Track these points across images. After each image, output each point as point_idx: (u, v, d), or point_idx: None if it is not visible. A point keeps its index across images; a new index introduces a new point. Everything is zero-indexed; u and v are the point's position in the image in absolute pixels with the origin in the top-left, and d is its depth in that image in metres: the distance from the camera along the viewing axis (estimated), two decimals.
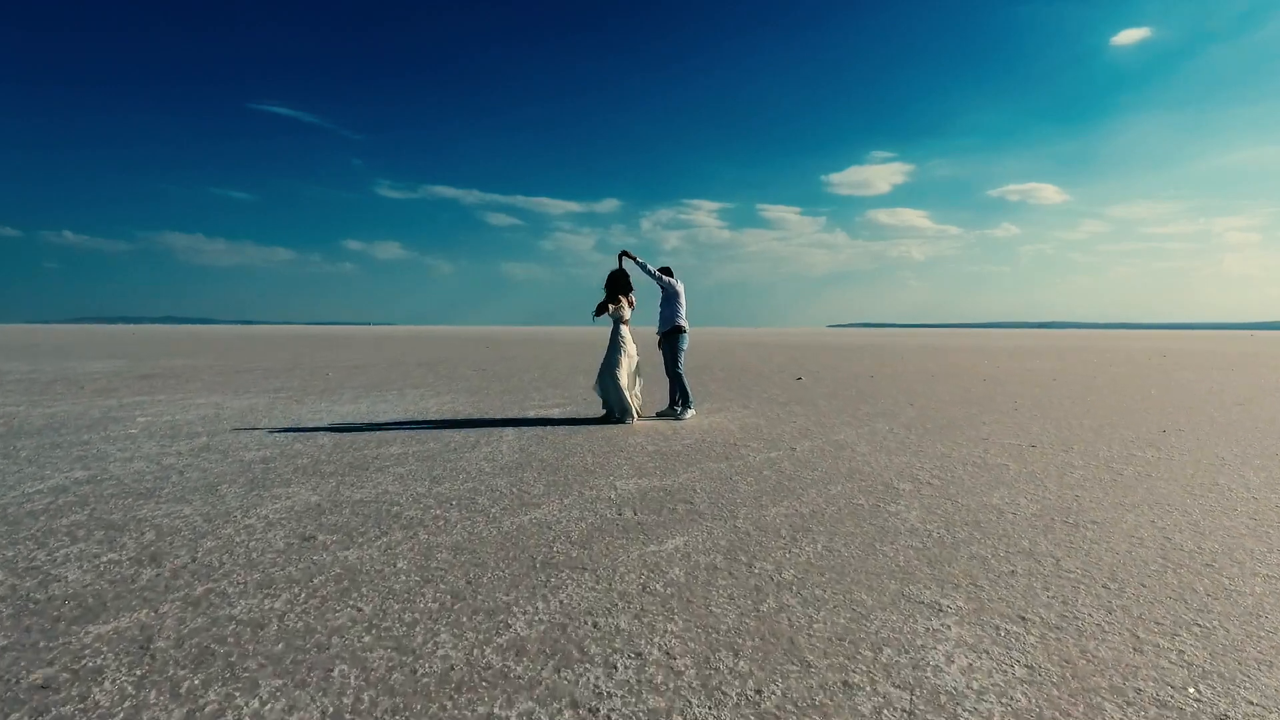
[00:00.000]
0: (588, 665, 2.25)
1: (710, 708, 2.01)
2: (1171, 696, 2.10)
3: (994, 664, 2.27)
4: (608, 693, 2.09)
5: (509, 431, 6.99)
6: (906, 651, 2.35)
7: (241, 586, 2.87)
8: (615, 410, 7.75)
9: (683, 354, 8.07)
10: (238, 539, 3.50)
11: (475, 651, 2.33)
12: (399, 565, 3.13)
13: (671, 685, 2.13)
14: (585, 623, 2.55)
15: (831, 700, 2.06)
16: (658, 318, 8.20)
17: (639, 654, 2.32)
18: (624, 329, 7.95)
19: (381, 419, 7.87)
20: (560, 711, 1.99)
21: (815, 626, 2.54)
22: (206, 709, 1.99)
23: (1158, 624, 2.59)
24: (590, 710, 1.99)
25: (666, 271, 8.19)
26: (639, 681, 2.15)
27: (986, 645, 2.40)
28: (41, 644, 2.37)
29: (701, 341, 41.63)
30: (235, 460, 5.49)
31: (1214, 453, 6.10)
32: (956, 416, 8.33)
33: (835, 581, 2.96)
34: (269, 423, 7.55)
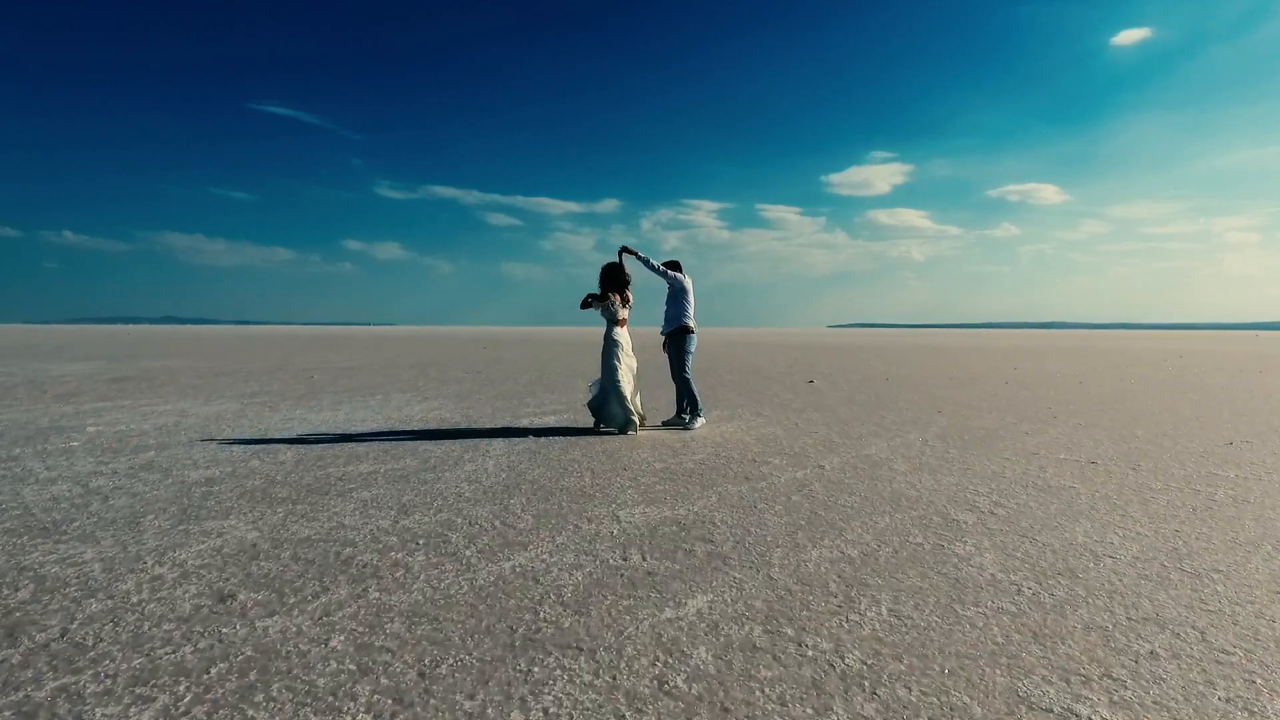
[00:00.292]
0: None
1: None
2: None
3: None
4: None
5: (498, 444, 6.22)
6: None
7: (107, 684, 2.09)
8: (616, 423, 6.98)
9: (690, 357, 7.30)
10: (135, 599, 2.72)
11: None
12: (333, 644, 2.35)
13: None
14: None
15: None
16: (662, 317, 7.42)
17: None
18: (620, 331, 7.17)
19: (358, 428, 7.10)
20: None
21: None
22: None
23: None
24: None
25: (674, 266, 7.42)
26: None
27: None
28: None
29: (703, 342, 40.84)
30: (175, 481, 4.71)
31: None
32: (993, 426, 7.56)
33: (919, 672, 2.19)
34: (232, 433, 6.77)
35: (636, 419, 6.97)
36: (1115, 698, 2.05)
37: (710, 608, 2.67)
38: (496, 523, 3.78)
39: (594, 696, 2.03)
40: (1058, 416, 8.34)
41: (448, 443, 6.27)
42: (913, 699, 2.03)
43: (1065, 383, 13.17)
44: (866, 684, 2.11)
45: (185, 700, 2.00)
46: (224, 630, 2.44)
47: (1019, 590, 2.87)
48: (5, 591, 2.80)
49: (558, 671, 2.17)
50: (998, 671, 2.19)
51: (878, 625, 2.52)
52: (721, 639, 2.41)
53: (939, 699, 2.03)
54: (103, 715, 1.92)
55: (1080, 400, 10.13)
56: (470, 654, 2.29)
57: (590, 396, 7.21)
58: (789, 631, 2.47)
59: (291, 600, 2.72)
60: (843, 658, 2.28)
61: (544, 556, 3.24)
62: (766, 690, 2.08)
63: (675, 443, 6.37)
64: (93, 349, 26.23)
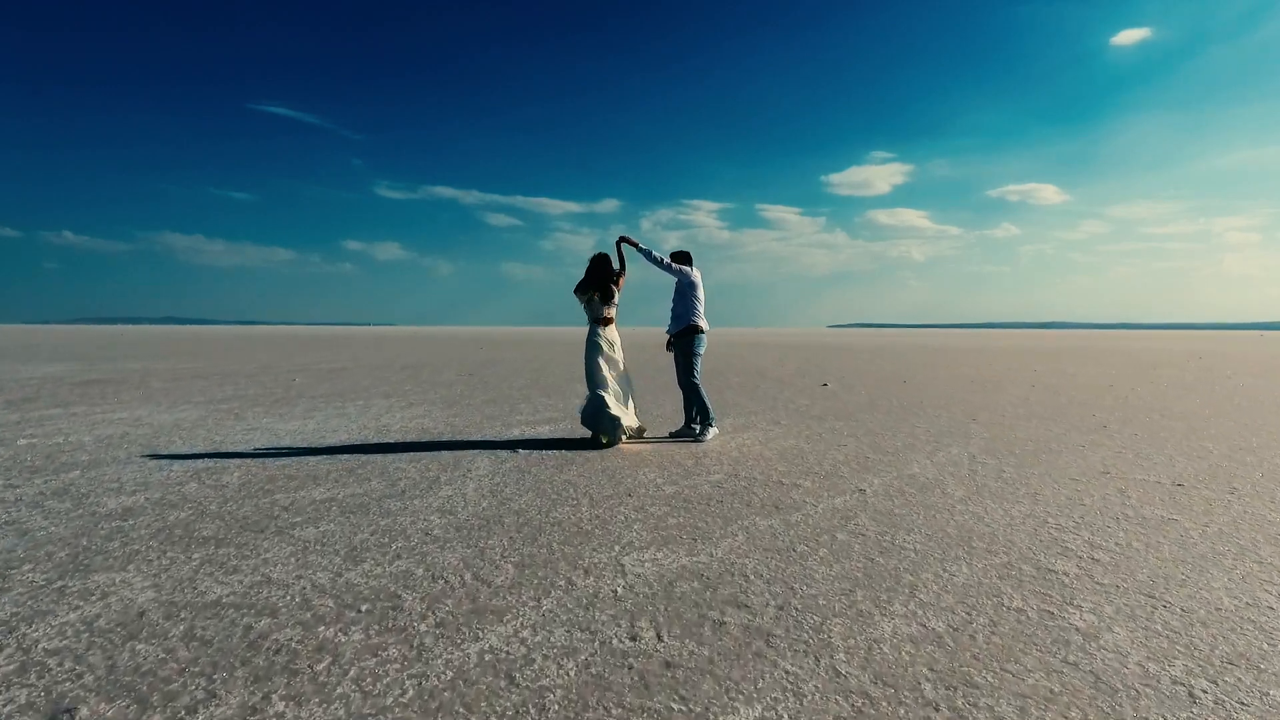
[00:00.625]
0: None
1: None
2: None
3: None
4: None
5: (483, 460, 5.39)
6: None
7: None
8: (602, 429, 6.19)
9: (699, 360, 6.47)
10: None
11: None
12: None
13: None
14: None
15: None
16: (669, 315, 6.59)
17: None
18: (604, 330, 6.33)
19: (327, 441, 6.27)
20: None
21: None
22: None
23: None
24: None
25: (682, 258, 6.59)
26: None
27: None
28: None
29: (706, 343, 40.06)
30: (85, 513, 3.88)
31: None
32: (1041, 437, 6.73)
33: None
34: (182, 446, 5.95)
35: (624, 430, 6.19)
36: None
37: None
38: (467, 575, 2.95)
39: None
40: (1107, 426, 7.51)
41: (425, 459, 5.44)
42: None
43: (1094, 387, 12.34)
44: None
45: None
46: None
47: (1192, 695, 2.04)
48: None
49: None
50: None
51: None
52: None
53: None
54: None
55: (1121, 406, 9.30)
56: None
57: (583, 406, 6.39)
58: None
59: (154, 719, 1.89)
60: None
61: (524, 634, 2.41)
62: None
63: (685, 458, 5.54)
64: (76, 350, 25.39)
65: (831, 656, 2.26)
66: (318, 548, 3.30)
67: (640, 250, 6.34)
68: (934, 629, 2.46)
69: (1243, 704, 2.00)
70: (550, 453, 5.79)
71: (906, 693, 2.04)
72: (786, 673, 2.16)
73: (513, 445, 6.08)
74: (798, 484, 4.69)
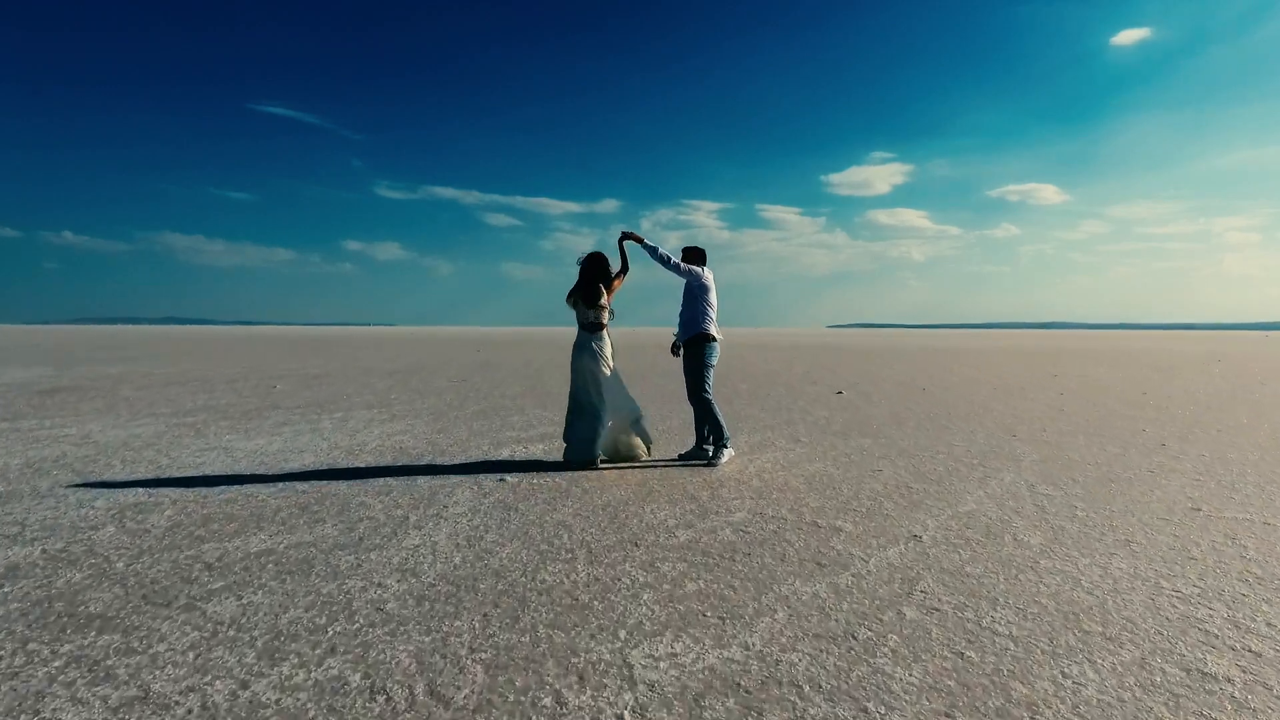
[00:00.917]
0: None
1: None
2: None
3: None
4: None
5: (464, 492, 4.61)
6: None
7: None
8: (582, 455, 5.48)
9: (711, 371, 5.69)
10: None
11: None
12: None
13: None
14: None
15: None
16: (678, 321, 5.81)
17: None
18: (597, 338, 5.60)
19: (289, 465, 5.49)
20: None
21: None
22: None
23: None
24: None
25: (695, 256, 5.81)
26: None
27: None
28: None
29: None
30: None
31: None
32: (1099, 460, 5.95)
33: None
34: (120, 472, 5.17)
35: (609, 453, 5.51)
36: None
37: None
38: (419, 687, 2.17)
39: None
40: (1166, 444, 6.73)
41: (397, 489, 4.66)
42: None
43: (1126, 393, 11.56)
44: None
45: None
46: None
47: None
48: None
49: None
50: None
51: None
52: None
53: None
54: None
55: (1166, 419, 8.53)
56: None
57: (578, 442, 5.62)
58: None
59: None
60: None
61: None
62: None
63: (699, 488, 4.76)
64: (60, 353, 24.61)
65: None
66: (231, 634, 2.52)
67: (646, 248, 5.56)
68: None
69: None
70: (543, 479, 5.00)
71: None
72: None
73: (501, 469, 5.30)
74: (837, 526, 3.91)
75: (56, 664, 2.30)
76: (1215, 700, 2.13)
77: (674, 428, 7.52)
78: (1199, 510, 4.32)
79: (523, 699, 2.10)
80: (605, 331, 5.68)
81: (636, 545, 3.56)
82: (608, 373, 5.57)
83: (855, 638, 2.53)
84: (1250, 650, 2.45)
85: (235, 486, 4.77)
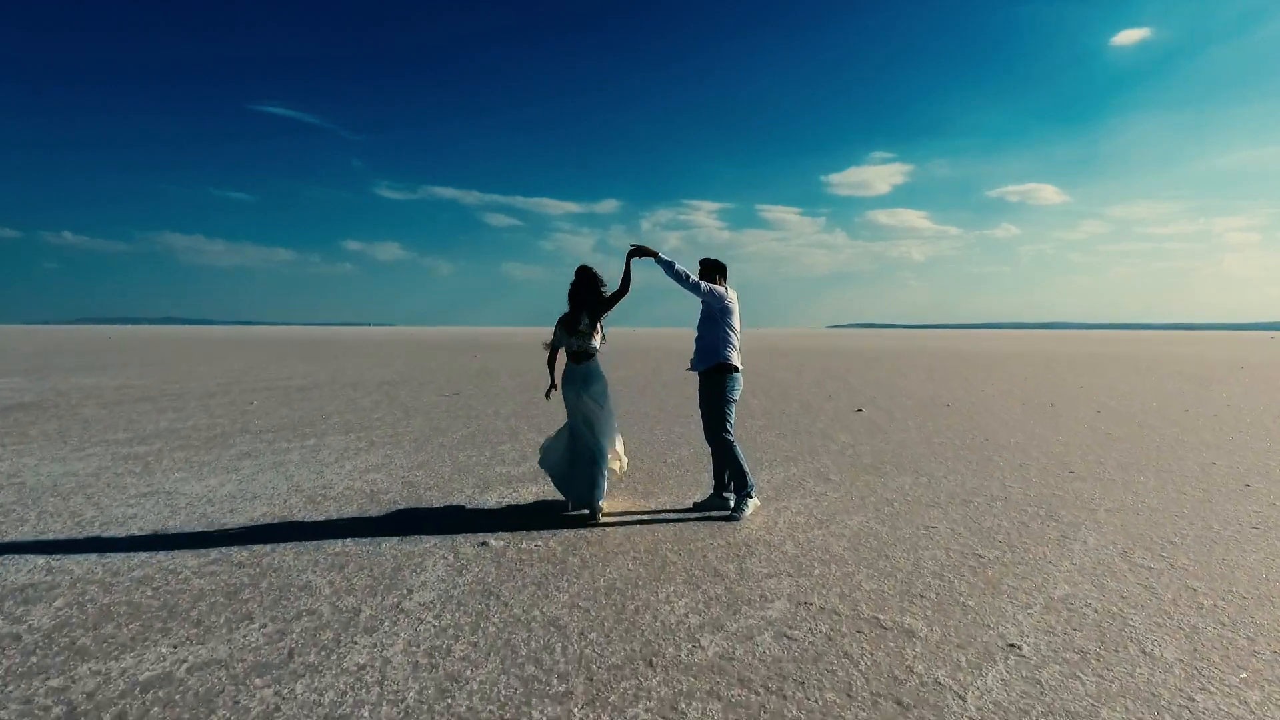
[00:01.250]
0: None
1: None
2: None
3: None
4: None
5: (435, 566, 3.76)
6: None
7: None
8: (585, 499, 4.70)
9: (733, 408, 4.84)
10: None
11: None
12: None
13: None
14: None
15: None
16: (694, 347, 4.96)
17: None
18: (588, 367, 4.82)
19: (235, 518, 4.64)
20: None
21: None
22: None
23: None
24: None
25: (713, 272, 4.96)
26: None
27: None
28: None
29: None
30: None
31: None
32: (1184, 510, 5.09)
33: None
34: (32, 529, 4.31)
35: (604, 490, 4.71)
36: None
37: None
38: None
39: None
40: (1249, 484, 5.88)
41: (355, 559, 3.81)
42: None
43: (1165, 410, 10.70)
44: None
45: None
46: None
47: None
48: None
49: None
50: None
51: None
52: None
53: None
54: None
55: (1232, 445, 7.67)
56: None
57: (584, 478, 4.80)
58: None
59: None
60: None
61: None
62: None
63: (723, 559, 3.91)
64: (42, 358, 23.74)
65: None
66: None
67: (660, 263, 4.70)
68: None
69: None
70: (534, 541, 4.15)
71: None
72: None
73: (485, 525, 4.45)
74: (907, 628, 3.05)
75: None
76: None
77: (684, 459, 6.67)
78: None
79: None
80: (596, 360, 4.86)
81: (651, 665, 2.70)
82: (603, 411, 4.76)
83: None
84: None
85: (159, 555, 3.91)
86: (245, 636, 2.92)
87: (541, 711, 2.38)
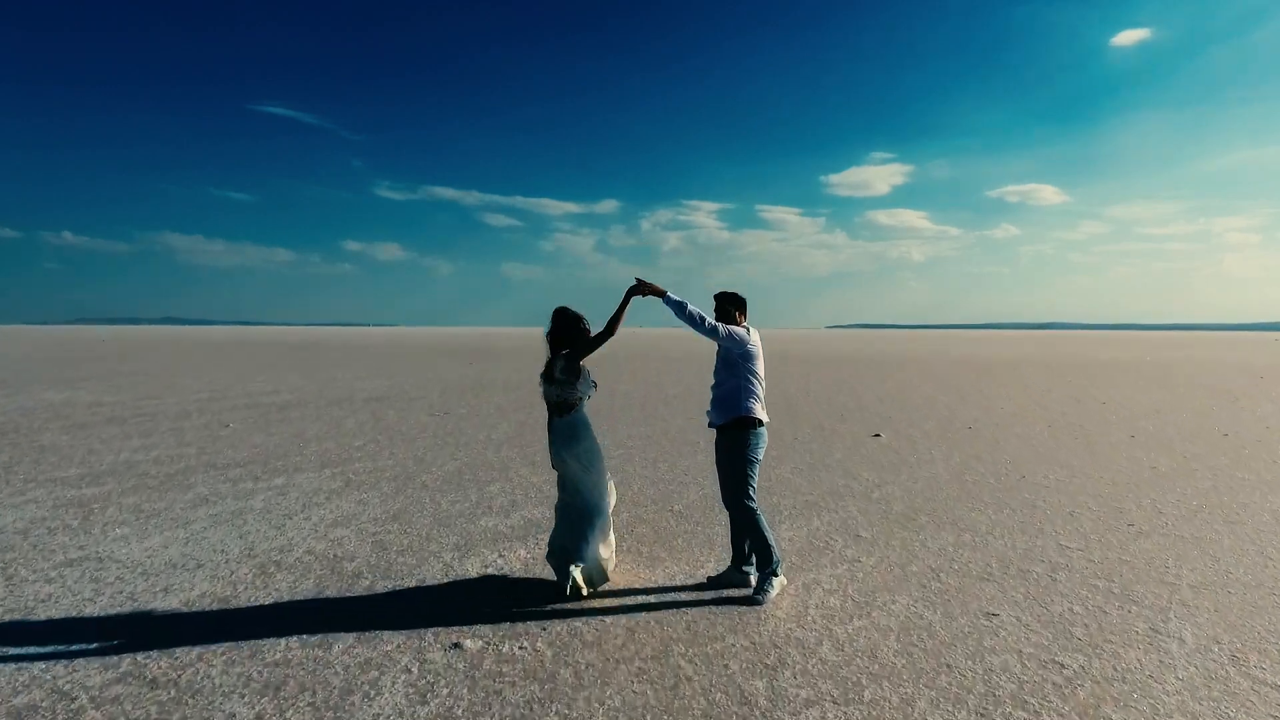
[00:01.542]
0: None
1: None
2: None
3: None
4: None
5: (394, 686, 3.03)
6: None
7: None
8: (572, 574, 4.00)
9: (756, 469, 4.11)
10: None
11: None
12: None
13: None
14: None
15: None
16: (710, 397, 4.24)
17: None
18: (577, 419, 4.15)
19: (161, 603, 3.92)
20: None
21: None
22: None
23: None
24: None
25: (730, 309, 4.24)
26: None
27: None
28: None
29: (708, 352, 37.17)
30: None
31: None
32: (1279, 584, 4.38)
33: None
34: None
35: (591, 571, 4.00)
36: None
37: None
38: None
39: None
40: None
41: (296, 673, 3.08)
42: None
43: (1202, 432, 9.98)
44: None
45: None
46: None
47: None
48: None
49: None
50: None
51: None
52: None
53: None
54: None
55: None
56: None
57: (559, 543, 4.11)
58: None
59: None
60: None
61: None
62: None
63: (749, 672, 3.18)
64: (21, 368, 23.01)
65: None
66: None
67: (669, 304, 3.98)
68: None
69: None
70: (516, 645, 3.42)
71: None
72: None
73: (462, 613, 3.72)
74: None
75: None
76: None
77: (693, 506, 5.95)
78: None
79: None
80: (582, 412, 4.16)
81: None
82: (589, 475, 4.06)
83: None
84: None
85: (57, 667, 3.19)
86: None
87: None
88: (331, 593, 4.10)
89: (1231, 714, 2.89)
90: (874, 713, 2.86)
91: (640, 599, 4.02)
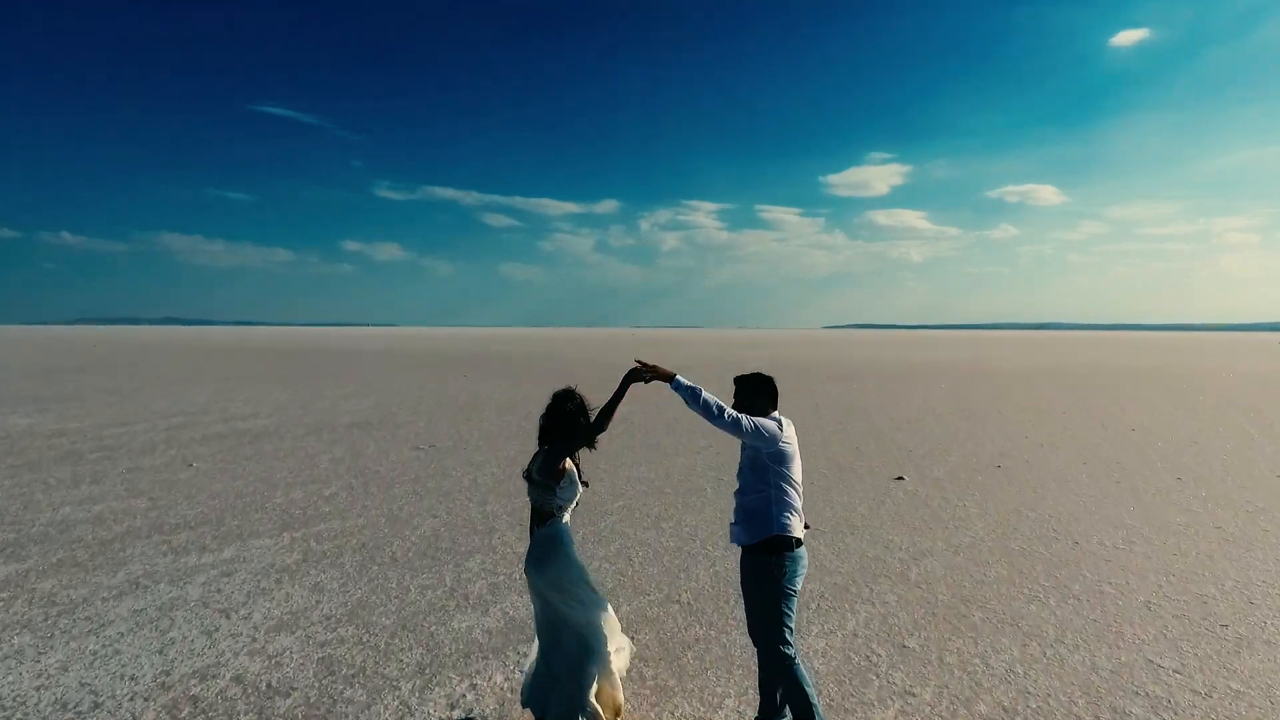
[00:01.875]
0: None
1: None
2: None
3: None
4: None
5: None
6: None
7: None
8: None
9: (793, 602, 3.22)
10: None
11: None
12: None
13: None
14: None
15: None
16: (734, 505, 3.36)
17: None
18: (554, 541, 3.29)
19: None
20: None
21: None
22: None
23: None
24: None
25: (757, 396, 3.35)
26: None
27: None
28: None
29: (708, 358, 36.33)
30: None
31: None
32: None
33: None
34: None
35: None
36: None
37: None
38: None
39: None
40: None
41: None
42: None
43: (1254, 474, 9.10)
44: None
45: None
46: None
47: None
48: None
49: None
50: None
51: None
52: None
53: None
54: None
55: None
56: None
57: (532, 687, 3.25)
58: None
59: None
60: None
61: None
62: None
63: None
64: (16, 370, 22.12)
65: None
66: None
67: (680, 391, 3.11)
68: None
69: None
70: None
71: None
72: None
73: None
74: None
75: None
76: None
77: (703, 592, 5.07)
78: None
79: None
80: (560, 524, 3.30)
81: None
82: (569, 605, 3.20)
83: None
84: None
85: None
86: None
87: None
88: None
89: None
90: None
91: None
